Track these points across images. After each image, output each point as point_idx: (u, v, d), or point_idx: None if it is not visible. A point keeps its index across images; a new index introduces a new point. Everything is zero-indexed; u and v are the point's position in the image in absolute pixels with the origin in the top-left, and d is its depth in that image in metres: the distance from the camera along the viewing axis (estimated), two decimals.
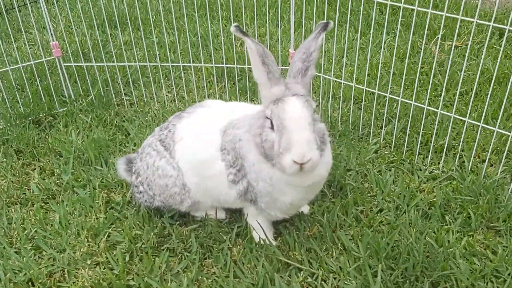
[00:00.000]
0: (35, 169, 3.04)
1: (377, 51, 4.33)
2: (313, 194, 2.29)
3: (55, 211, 2.69)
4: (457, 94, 2.89)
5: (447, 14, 2.68)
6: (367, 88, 3.14)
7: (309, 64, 2.07)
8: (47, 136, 3.31)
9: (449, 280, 2.22)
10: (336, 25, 3.20)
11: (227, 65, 3.44)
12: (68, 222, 2.59)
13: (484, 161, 2.99)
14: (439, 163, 2.98)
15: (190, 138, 2.36)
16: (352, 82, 3.15)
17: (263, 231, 2.40)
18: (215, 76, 3.77)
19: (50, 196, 2.82)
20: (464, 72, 4.04)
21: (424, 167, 2.97)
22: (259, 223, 2.39)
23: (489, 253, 2.37)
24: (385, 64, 4.09)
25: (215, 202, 2.44)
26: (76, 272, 2.32)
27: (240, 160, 2.18)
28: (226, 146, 2.23)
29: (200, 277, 2.27)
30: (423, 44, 2.92)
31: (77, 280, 2.27)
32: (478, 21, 2.55)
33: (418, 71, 2.90)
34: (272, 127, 1.99)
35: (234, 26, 2.03)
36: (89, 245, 2.45)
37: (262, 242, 2.41)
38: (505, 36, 2.84)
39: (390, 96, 3.06)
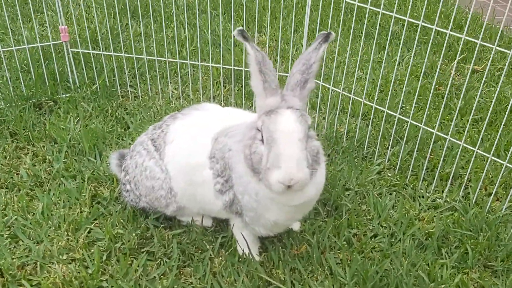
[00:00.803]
0: (28, 153, 2.98)
1: (395, 67, 4.19)
2: (300, 215, 2.17)
3: (40, 199, 2.62)
4: (470, 120, 2.74)
5: (467, 38, 2.54)
6: (376, 106, 3.01)
7: (309, 77, 1.95)
8: (45, 121, 3.26)
9: None
10: (351, 36, 3.07)
11: (235, 67, 3.34)
12: (51, 213, 2.52)
13: (490, 194, 2.85)
14: (443, 191, 2.84)
15: (181, 141, 2.26)
16: (363, 98, 3.02)
17: (247, 245, 2.29)
18: (222, 77, 3.67)
19: (38, 184, 2.75)
20: (483, 98, 3.89)
21: (428, 194, 2.84)
22: (243, 237, 2.29)
23: None
24: (401, 81, 3.96)
25: (201, 209, 2.34)
26: (49, 267, 2.24)
27: (228, 171, 2.08)
28: (216, 155, 2.12)
29: (176, 286, 2.17)
30: (439, 64, 2.78)
31: (49, 275, 2.19)
32: (498, 48, 2.41)
33: (431, 92, 2.75)
34: (262, 139, 1.89)
35: (238, 30, 1.93)
36: (68, 239, 2.37)
37: (245, 256, 2.30)
38: None
39: (400, 116, 2.92)
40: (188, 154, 2.21)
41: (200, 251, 2.36)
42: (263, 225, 2.11)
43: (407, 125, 3.22)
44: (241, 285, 2.17)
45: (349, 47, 3.16)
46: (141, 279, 2.20)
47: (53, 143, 3.07)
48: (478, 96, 2.67)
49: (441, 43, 4.58)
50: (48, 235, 2.39)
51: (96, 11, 4.73)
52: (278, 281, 2.22)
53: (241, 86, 3.66)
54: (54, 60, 3.49)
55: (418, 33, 2.64)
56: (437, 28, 2.59)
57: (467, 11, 5.45)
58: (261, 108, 1.95)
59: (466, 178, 2.84)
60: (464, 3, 5.47)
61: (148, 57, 3.48)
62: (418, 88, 2.84)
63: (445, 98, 2.72)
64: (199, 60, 3.36)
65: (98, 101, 3.45)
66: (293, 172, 1.78)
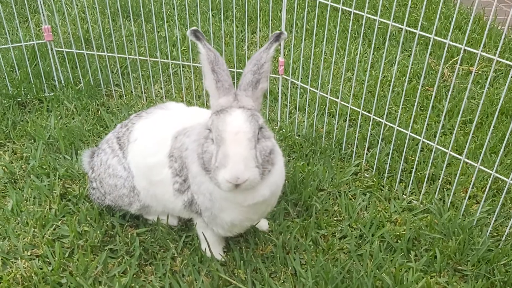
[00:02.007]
0: (7, 151, 3.01)
1: (386, 68, 4.14)
2: (256, 215, 2.13)
3: (10, 196, 2.64)
4: (458, 122, 2.64)
5: (451, 43, 2.45)
6: (363, 112, 2.92)
7: (260, 77, 1.93)
8: (28, 119, 3.29)
9: None
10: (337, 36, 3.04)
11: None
12: (20, 209, 2.54)
13: (470, 197, 2.79)
14: (420, 193, 2.79)
15: (143, 140, 2.26)
16: (349, 102, 2.98)
17: (208, 245, 2.27)
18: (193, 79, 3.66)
19: (12, 180, 2.77)
20: (474, 100, 3.82)
21: (404, 196, 2.79)
22: (204, 236, 2.27)
23: None
24: (391, 82, 3.89)
25: (165, 208, 2.33)
26: (13, 262, 2.25)
27: (185, 170, 2.06)
28: (174, 153, 2.11)
29: (134, 284, 2.16)
30: (425, 65, 2.73)
31: (11, 271, 2.20)
32: (482, 53, 2.34)
33: (418, 94, 2.67)
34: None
35: (191, 30, 1.93)
36: (34, 235, 2.39)
37: (207, 255, 2.29)
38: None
39: (386, 122, 2.85)
40: (149, 153, 2.20)
41: (163, 250, 2.35)
42: (220, 225, 2.09)
43: (392, 129, 3.17)
44: (201, 285, 2.15)
45: (335, 47, 3.12)
46: (101, 276, 2.20)
47: (32, 140, 3.09)
48: (465, 99, 2.59)
49: (439, 44, 4.51)
50: (15, 231, 2.40)
51: (85, 12, 4.78)
52: (239, 282, 2.20)
53: None
54: (39, 59, 3.52)
55: (402, 37, 2.59)
56: (421, 33, 2.54)
57: (469, 11, 5.37)
58: (214, 108, 1.93)
59: (440, 180, 2.76)
60: (468, 2, 5.38)
61: (130, 57, 3.49)
62: (404, 90, 2.75)
63: (432, 99, 2.63)
64: (180, 60, 3.36)
65: (82, 100, 3.47)
66: (240, 171, 1.76)
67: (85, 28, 4.37)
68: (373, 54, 4.34)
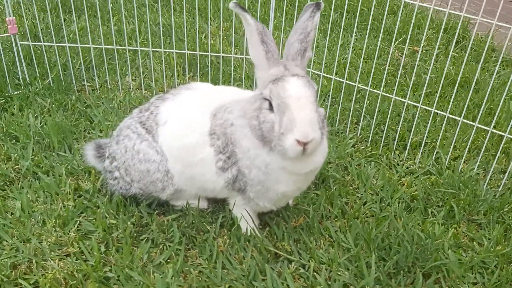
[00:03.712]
0: None
1: (342, 51, 4.34)
2: (306, 184, 2.17)
3: (14, 198, 2.42)
4: (423, 93, 2.90)
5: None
6: (347, 81, 3.09)
7: (307, 45, 1.98)
8: (1, 120, 3.01)
9: (440, 271, 2.19)
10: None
11: (189, 52, 3.30)
12: (32, 210, 2.33)
13: (456, 158, 3.04)
14: (415, 158, 2.99)
15: (175, 121, 2.19)
16: (333, 75, 3.11)
17: (252, 220, 2.27)
18: (175, 65, 3.60)
19: (8, 183, 2.54)
20: (425, 74, 4.14)
21: (401, 162, 2.97)
22: (248, 214, 2.26)
23: (476, 245, 2.37)
24: (352, 64, 4.10)
25: (200, 190, 2.28)
26: (44, 263, 2.07)
27: (231, 146, 2.04)
28: (216, 131, 2.08)
29: (186, 269, 2.10)
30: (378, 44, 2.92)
31: (46, 272, 2.03)
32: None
33: (387, 67, 2.88)
34: (270, 108, 1.87)
35: (233, 3, 1.91)
36: (57, 234, 2.21)
37: (249, 233, 2.27)
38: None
39: (372, 90, 3.03)
40: (185, 134, 2.14)
41: (201, 233, 2.30)
42: (270, 198, 2.10)
43: (369, 101, 3.36)
44: (251, 260, 2.14)
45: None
46: (147, 265, 2.10)
47: (14, 141, 2.84)
48: (428, 73, 2.83)
49: (379, 28, 4.82)
50: (35, 233, 2.21)
51: (33, 7, 4.46)
52: (286, 253, 2.22)
53: (202, 74, 3.61)
54: (2, 54, 3.23)
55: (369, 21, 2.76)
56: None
57: None
58: (264, 79, 1.94)
59: (425, 143, 2.99)
60: None
61: (105, 47, 3.33)
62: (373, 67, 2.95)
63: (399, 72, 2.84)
64: (150, 47, 3.27)
65: (54, 96, 3.24)
66: (309, 131, 1.80)
67: (46, 24, 4.08)
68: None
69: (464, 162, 3.01)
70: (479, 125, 2.76)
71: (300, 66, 1.98)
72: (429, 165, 2.92)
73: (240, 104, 2.07)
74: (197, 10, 3.37)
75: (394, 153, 3.04)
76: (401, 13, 5.28)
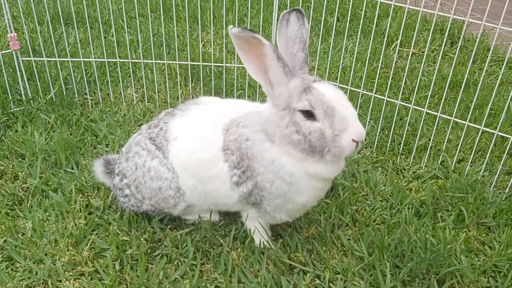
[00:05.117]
0: None
1: (339, 56, 4.35)
2: (323, 193, 2.19)
3: (25, 217, 2.41)
4: (428, 97, 2.92)
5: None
6: (351, 88, 3.10)
7: (307, 52, 2.01)
8: (3, 137, 2.99)
9: (454, 277, 2.21)
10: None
11: (191, 63, 3.30)
12: (43, 229, 2.32)
13: (460, 161, 3.05)
14: (421, 162, 3.00)
15: (186, 137, 2.18)
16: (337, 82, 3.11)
17: (266, 232, 2.27)
18: (178, 75, 3.60)
19: (17, 202, 2.53)
20: (423, 77, 4.16)
21: (407, 167, 2.98)
22: (261, 224, 2.26)
23: (487, 249, 2.39)
24: (350, 68, 4.11)
25: (212, 205, 2.28)
26: (60, 284, 2.07)
27: (246, 161, 2.04)
28: (230, 146, 2.07)
29: (202, 284, 2.10)
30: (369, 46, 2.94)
31: None
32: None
33: (392, 70, 2.89)
34: (309, 119, 1.88)
35: (240, 28, 1.84)
36: (70, 254, 2.20)
37: (262, 245, 2.28)
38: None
39: (376, 96, 3.04)
40: (197, 149, 2.14)
41: (215, 247, 2.30)
42: (288, 209, 2.11)
43: (377, 104, 3.37)
44: (266, 273, 2.14)
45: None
46: (163, 283, 2.10)
47: (19, 158, 2.83)
48: (420, 74, 2.85)
49: (379, 32, 4.84)
50: (48, 253, 2.20)
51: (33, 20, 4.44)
52: (300, 264, 2.22)
53: (204, 85, 3.61)
54: (4, 71, 3.21)
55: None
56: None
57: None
58: (287, 94, 1.92)
59: (430, 146, 3.01)
60: None
61: (109, 60, 3.33)
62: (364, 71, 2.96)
63: (406, 76, 2.86)
64: (153, 59, 3.27)
65: (58, 111, 3.23)
66: (361, 128, 1.87)
67: (45, 36, 4.05)
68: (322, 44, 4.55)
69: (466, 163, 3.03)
70: (485, 128, 2.77)
71: (308, 74, 2.00)
72: (435, 169, 2.94)
73: (253, 118, 2.07)
74: (199, 18, 3.34)
75: (400, 157, 3.05)
76: (405, 17, 5.32)
